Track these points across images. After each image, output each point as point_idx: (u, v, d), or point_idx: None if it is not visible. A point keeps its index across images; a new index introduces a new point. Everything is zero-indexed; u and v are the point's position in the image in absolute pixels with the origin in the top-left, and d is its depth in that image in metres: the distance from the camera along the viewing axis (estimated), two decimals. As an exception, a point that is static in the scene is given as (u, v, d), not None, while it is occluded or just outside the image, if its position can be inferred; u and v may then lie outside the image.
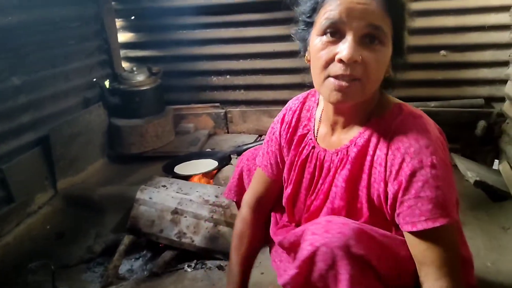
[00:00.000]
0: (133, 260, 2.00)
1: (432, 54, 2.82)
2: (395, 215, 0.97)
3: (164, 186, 2.09)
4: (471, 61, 2.77)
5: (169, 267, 1.87)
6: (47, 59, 2.54)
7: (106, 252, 2.04)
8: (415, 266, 0.97)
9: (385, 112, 1.02)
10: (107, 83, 3.05)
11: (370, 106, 1.04)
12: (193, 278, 1.78)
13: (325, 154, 1.11)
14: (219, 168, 2.50)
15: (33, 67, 2.40)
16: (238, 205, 1.47)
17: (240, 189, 1.46)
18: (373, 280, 0.95)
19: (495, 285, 1.61)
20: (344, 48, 0.90)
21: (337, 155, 1.08)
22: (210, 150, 2.92)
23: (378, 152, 1.00)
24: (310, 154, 1.15)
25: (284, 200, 1.24)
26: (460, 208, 2.14)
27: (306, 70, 1.06)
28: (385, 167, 0.97)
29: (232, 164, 2.58)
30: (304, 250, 0.96)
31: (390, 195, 0.97)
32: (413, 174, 0.92)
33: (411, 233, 0.94)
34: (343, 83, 0.92)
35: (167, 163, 2.61)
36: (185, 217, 1.94)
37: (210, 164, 2.56)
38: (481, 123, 2.59)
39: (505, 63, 2.68)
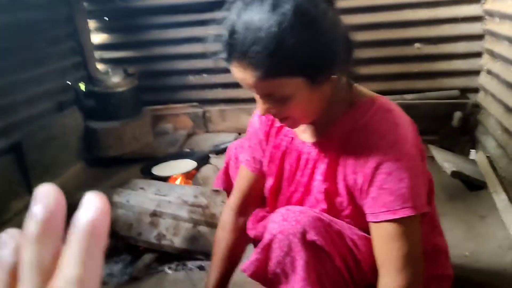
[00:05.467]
0: (112, 264, 1.97)
1: (407, 47, 2.84)
2: (362, 205, 0.99)
3: (142, 188, 2.06)
4: (445, 53, 2.80)
5: (149, 270, 1.84)
6: (18, 63, 2.46)
7: (84, 258, 2.00)
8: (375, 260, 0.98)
9: (357, 107, 1.02)
10: (82, 85, 2.99)
11: (337, 106, 1.03)
12: (174, 280, 1.76)
13: (303, 146, 1.11)
14: (197, 168, 2.48)
15: (2, 72, 2.34)
16: (227, 193, 1.45)
17: (227, 177, 1.47)
18: (328, 266, 0.99)
19: (473, 274, 1.63)
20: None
21: (314, 148, 1.08)
22: (188, 150, 2.90)
23: (350, 146, 1.01)
24: (289, 145, 1.14)
25: (266, 192, 1.23)
26: (438, 198, 2.17)
27: None
28: (355, 159, 0.99)
29: (211, 164, 2.56)
30: (264, 238, 1.02)
31: (358, 187, 0.99)
32: (377, 167, 0.94)
33: (374, 224, 0.96)
34: (279, 121, 1.03)
35: (145, 165, 2.58)
36: (164, 218, 1.91)
37: (188, 164, 2.54)
38: (457, 114, 2.61)
39: (478, 54, 2.70)
